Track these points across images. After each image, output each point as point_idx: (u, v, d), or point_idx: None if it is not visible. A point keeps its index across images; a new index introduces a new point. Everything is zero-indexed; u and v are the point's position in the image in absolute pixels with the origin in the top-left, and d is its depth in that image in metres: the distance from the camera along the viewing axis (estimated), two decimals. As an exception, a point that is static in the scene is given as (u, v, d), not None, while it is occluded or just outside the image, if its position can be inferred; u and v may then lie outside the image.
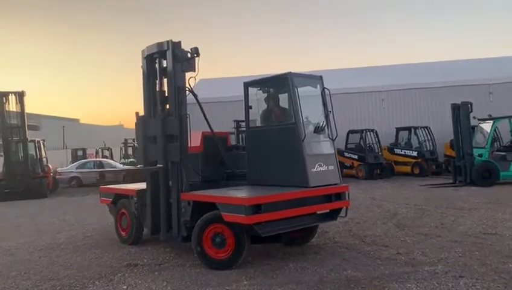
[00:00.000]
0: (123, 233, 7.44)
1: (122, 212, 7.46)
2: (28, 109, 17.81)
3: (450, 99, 17.39)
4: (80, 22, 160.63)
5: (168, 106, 6.26)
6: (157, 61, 6.40)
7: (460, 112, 14.70)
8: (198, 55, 6.01)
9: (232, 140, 16.46)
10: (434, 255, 5.82)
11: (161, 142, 6.13)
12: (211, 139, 6.97)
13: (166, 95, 6.29)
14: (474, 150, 14.61)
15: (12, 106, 17.03)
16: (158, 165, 6.29)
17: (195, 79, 6.24)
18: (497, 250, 5.96)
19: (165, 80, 6.34)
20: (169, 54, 6.05)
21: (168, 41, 6.07)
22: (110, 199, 7.76)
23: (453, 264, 5.35)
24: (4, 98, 16.84)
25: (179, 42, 6.07)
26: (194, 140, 6.67)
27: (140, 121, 6.53)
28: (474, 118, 15.01)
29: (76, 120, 74.50)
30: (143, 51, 6.55)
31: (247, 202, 5.11)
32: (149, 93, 6.49)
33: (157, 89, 6.42)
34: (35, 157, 17.95)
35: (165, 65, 6.26)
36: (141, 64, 6.68)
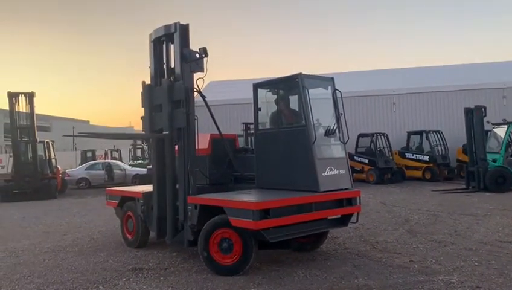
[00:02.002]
0: (129, 236, 7.32)
1: (128, 215, 7.34)
2: (38, 110, 17.90)
3: (462, 103, 17.12)
4: (90, 25, 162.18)
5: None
6: (164, 44, 6.32)
7: (474, 116, 14.41)
8: (206, 55, 5.89)
9: (241, 143, 16.36)
10: (449, 263, 5.61)
11: (167, 109, 6.07)
12: (219, 142, 6.84)
13: (173, 66, 6.22)
14: (488, 155, 14.30)
15: (22, 106, 17.09)
16: (164, 132, 6.20)
17: (204, 80, 6.12)
18: (514, 259, 5.73)
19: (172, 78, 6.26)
20: (176, 36, 5.97)
21: (175, 24, 5.99)
22: (117, 202, 7.65)
23: (469, 274, 5.14)
24: (14, 98, 16.88)
25: (187, 25, 5.99)
26: (202, 142, 6.54)
27: (147, 89, 6.45)
28: (488, 122, 14.71)
29: (87, 121, 75.07)
30: (150, 35, 6.49)
31: (255, 207, 4.96)
32: (155, 65, 6.44)
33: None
34: (44, 158, 17.97)
35: (172, 49, 6.22)
36: (149, 65, 6.58)
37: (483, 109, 14.39)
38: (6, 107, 17.28)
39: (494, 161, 14.22)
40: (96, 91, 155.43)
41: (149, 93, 6.40)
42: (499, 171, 13.88)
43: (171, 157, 6.23)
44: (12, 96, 16.88)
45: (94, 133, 5.93)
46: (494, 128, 15.19)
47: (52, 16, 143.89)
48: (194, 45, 6.01)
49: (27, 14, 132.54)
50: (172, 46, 6.24)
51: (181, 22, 5.99)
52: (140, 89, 6.54)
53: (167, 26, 6.12)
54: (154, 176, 6.53)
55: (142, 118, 6.57)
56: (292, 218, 5.33)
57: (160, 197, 6.32)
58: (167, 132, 6.13)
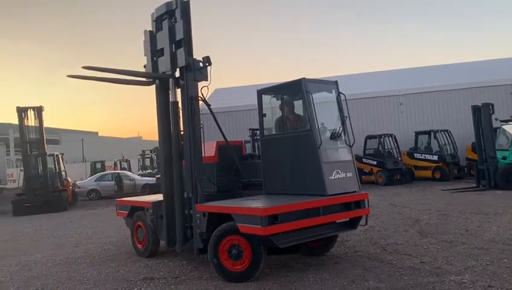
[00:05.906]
0: (139, 246, 7.37)
1: (138, 224, 7.39)
2: (47, 124, 18.07)
3: (469, 101, 17.02)
4: (96, 35, 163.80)
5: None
6: (166, 21, 6.38)
7: (482, 114, 14.33)
8: (210, 64, 5.94)
9: (249, 149, 16.40)
10: (460, 263, 5.58)
11: (169, 51, 6.17)
12: (225, 149, 6.87)
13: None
14: (497, 152, 14.20)
15: (31, 120, 17.31)
16: (166, 73, 6.29)
17: (208, 88, 6.17)
18: (527, 257, 5.68)
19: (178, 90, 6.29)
20: (178, 12, 6.06)
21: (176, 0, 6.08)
22: (127, 212, 7.71)
23: (481, 273, 5.11)
24: (23, 113, 17.11)
25: (188, 1, 6.08)
26: (209, 150, 6.57)
27: (148, 36, 6.53)
28: (496, 119, 14.61)
29: (95, 133, 75.61)
30: (152, 14, 6.58)
31: (263, 213, 4.97)
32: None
33: None
34: (54, 171, 18.15)
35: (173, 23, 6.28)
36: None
37: (490, 106, 14.30)
38: (16, 121, 17.52)
39: (504, 158, 14.12)
40: (104, 102, 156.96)
41: (150, 40, 6.50)
42: (509, 169, 13.75)
43: (173, 99, 6.31)
44: (22, 111, 17.11)
45: (100, 68, 5.77)
46: (502, 125, 15.09)
47: (57, 27, 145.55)
48: (198, 54, 6.08)
49: (31, 25, 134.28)
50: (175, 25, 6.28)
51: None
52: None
53: (168, 3, 6.21)
54: (160, 130, 6.48)
55: (145, 66, 6.65)
56: (300, 223, 5.33)
57: (169, 199, 6.35)
58: (170, 72, 6.25)
